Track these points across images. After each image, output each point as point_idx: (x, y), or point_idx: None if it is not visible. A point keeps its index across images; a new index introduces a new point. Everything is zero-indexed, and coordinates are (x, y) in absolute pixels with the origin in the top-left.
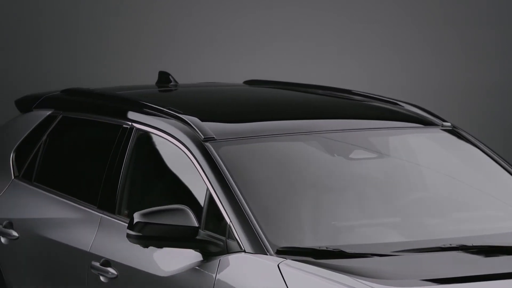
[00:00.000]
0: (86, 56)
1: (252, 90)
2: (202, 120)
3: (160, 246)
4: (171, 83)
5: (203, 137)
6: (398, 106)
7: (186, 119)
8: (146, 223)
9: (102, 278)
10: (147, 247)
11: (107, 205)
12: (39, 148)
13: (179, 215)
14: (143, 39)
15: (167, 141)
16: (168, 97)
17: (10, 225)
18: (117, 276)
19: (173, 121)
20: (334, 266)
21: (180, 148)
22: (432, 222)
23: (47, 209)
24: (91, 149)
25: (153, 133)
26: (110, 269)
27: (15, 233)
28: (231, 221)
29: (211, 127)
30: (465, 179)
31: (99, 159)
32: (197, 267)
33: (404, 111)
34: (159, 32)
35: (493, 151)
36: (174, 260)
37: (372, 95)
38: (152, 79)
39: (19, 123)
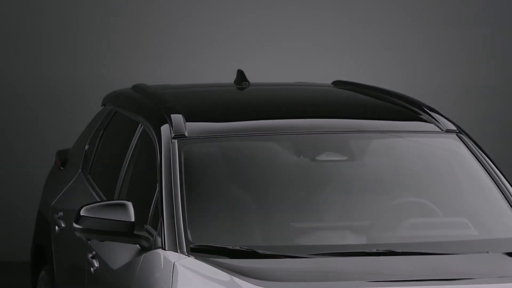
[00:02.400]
0: (86, 56)
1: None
2: (188, 119)
3: (101, 239)
4: (245, 81)
5: (173, 134)
6: (408, 108)
7: (171, 117)
8: (88, 217)
9: (92, 269)
10: (89, 240)
11: (109, 199)
12: (97, 142)
13: (120, 210)
14: (143, 39)
15: (154, 137)
16: (193, 95)
17: (62, 215)
18: (97, 268)
19: (165, 118)
20: (231, 266)
21: (157, 144)
22: (377, 226)
23: (81, 201)
24: (118, 144)
25: (147, 130)
26: (95, 261)
27: (62, 223)
28: (162, 217)
29: (189, 126)
30: (443, 186)
31: (117, 154)
32: (131, 262)
33: (413, 114)
34: (159, 32)
35: (492, 162)
36: (124, 254)
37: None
38: (152, 79)
39: (94, 117)
